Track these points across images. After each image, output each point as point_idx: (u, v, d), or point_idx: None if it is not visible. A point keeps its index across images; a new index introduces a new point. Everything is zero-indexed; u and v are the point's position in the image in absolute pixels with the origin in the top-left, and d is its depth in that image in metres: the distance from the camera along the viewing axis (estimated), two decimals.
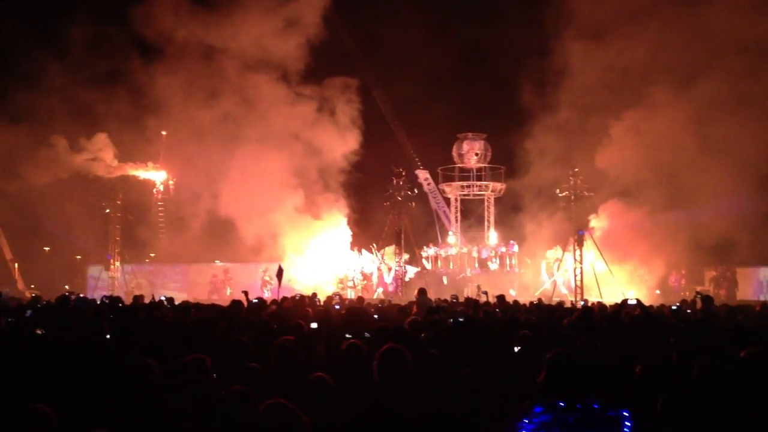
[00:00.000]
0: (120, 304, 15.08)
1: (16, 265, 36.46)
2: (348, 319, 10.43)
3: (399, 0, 39.38)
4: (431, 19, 43.09)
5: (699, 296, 15.53)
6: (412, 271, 35.07)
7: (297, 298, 16.51)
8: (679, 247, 31.71)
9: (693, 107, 31.21)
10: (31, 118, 34.10)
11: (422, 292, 14.64)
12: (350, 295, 29.80)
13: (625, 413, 3.81)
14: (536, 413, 3.80)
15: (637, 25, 33.60)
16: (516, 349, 7.29)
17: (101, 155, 35.96)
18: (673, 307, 14.23)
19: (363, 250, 35.93)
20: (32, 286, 35.21)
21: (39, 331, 7.33)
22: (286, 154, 35.04)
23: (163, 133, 37.90)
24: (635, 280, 32.45)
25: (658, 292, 31.84)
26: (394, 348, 5.00)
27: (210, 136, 35.45)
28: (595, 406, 3.77)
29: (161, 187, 39.23)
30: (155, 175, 39.10)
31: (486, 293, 17.96)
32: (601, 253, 30.68)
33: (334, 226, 36.12)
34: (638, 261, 32.50)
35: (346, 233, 36.52)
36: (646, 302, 20.37)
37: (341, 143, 35.68)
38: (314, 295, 17.85)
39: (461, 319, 10.23)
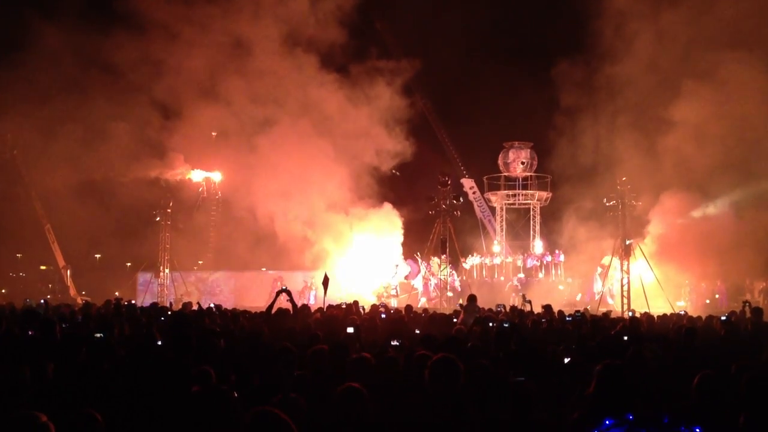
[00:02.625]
0: (169, 311, 15.37)
1: (68, 271, 37.18)
2: (391, 328, 10.47)
3: (445, 6, 39.34)
4: (478, 26, 43.00)
5: (747, 305, 15.19)
6: (456, 279, 34.89)
7: (342, 306, 16.60)
8: (733, 253, 30.19)
9: None
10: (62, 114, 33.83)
11: (471, 299, 14.36)
12: (394, 304, 29.80)
13: (697, 430, 3.72)
14: (607, 426, 3.73)
15: None
16: (566, 360, 7.23)
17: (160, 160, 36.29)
18: (722, 318, 13.89)
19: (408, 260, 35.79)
20: (83, 292, 35.86)
21: (98, 335, 7.47)
22: (333, 160, 35.01)
23: (213, 134, 38.32)
24: (685, 290, 31.82)
25: (708, 301, 31.18)
26: (446, 357, 5.00)
27: (246, 136, 35.53)
28: (665, 421, 3.69)
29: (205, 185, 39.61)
30: (200, 177, 39.59)
31: (530, 302, 17.85)
32: (649, 263, 30.12)
33: (378, 233, 35.94)
34: (690, 269, 31.62)
35: (396, 241, 36.28)
36: (697, 312, 20.10)
37: (389, 149, 35.66)
38: (356, 303, 17.92)
39: (506, 324, 10.19)
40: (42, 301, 18.40)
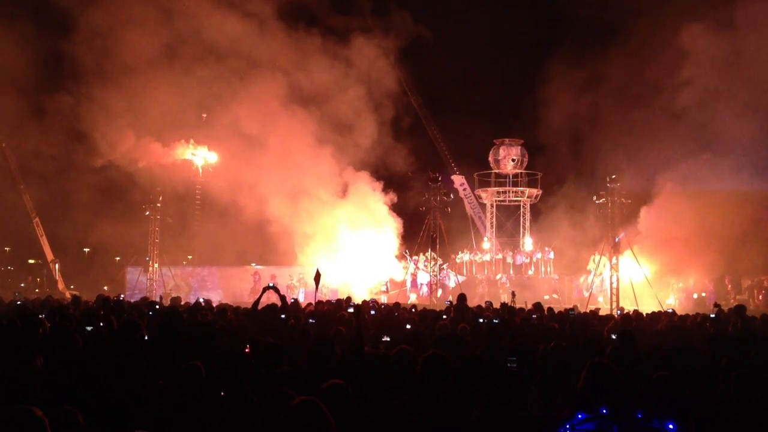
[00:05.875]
0: (157, 306, 15.31)
1: (57, 265, 36.96)
2: (382, 324, 10.47)
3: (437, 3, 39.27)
4: (469, 22, 43.00)
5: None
6: (452, 276, 34.85)
7: (333, 302, 16.60)
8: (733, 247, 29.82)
9: None
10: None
11: (462, 298, 14.47)
12: (384, 300, 29.77)
13: (670, 426, 3.73)
14: (579, 420, 3.74)
15: None
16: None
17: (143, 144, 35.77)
18: (711, 315, 13.97)
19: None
20: (71, 287, 35.67)
21: (88, 328, 7.47)
22: (319, 151, 34.83)
23: (204, 115, 38.00)
24: (674, 287, 31.86)
25: (695, 296, 31.24)
26: (437, 354, 4.99)
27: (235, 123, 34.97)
28: (639, 416, 3.70)
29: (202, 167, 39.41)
30: (197, 158, 39.34)
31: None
32: (637, 260, 30.15)
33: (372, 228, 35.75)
34: (681, 264, 31.44)
35: (390, 239, 36.10)
36: (686, 310, 20.19)
37: (379, 145, 35.57)
38: (349, 299, 17.91)
39: (496, 320, 10.22)
40: (18, 302, 18.14)
